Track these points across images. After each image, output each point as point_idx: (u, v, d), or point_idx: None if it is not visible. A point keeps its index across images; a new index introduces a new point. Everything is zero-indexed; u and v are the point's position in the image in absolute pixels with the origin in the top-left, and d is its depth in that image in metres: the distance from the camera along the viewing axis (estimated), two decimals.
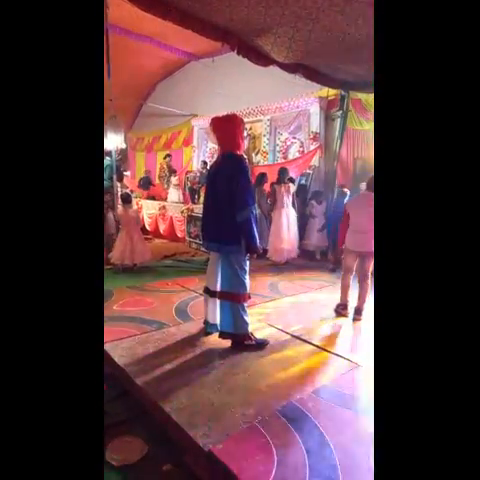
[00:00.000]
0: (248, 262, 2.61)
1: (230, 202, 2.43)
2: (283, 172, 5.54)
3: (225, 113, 2.67)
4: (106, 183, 5.17)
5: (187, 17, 3.66)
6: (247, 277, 2.60)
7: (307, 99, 6.88)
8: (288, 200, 5.49)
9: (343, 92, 6.31)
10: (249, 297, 2.67)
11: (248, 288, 2.61)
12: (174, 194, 8.87)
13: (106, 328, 2.77)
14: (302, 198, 6.14)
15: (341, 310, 3.43)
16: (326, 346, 2.69)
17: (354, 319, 3.31)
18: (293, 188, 5.65)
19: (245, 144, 2.83)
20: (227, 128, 2.54)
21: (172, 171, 9.24)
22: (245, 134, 2.73)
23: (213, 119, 2.62)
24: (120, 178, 5.99)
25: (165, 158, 9.63)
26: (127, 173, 11.32)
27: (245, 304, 2.62)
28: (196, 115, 9.58)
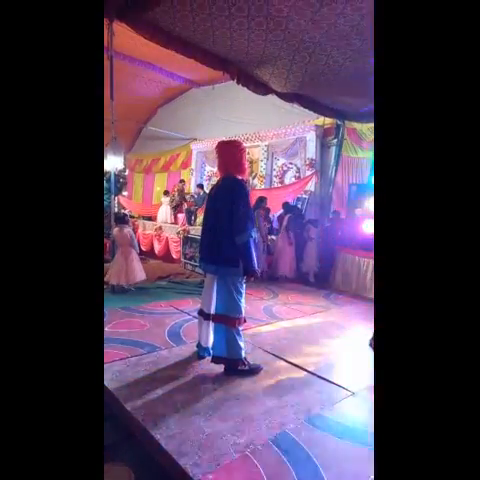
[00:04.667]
0: (244, 285, 2.60)
1: (229, 225, 2.45)
2: (288, 206, 6.37)
3: (225, 138, 2.74)
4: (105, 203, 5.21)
5: (189, 46, 3.82)
6: (243, 300, 2.58)
7: (304, 127, 7.09)
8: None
9: (339, 121, 6.51)
10: (244, 321, 2.64)
11: (243, 312, 2.59)
12: (162, 213, 8.91)
13: None
14: (299, 223, 6.21)
15: None
16: (321, 373, 2.64)
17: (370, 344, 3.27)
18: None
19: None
20: (233, 152, 2.61)
21: (168, 192, 9.26)
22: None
23: (219, 143, 2.69)
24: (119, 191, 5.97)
25: (181, 182, 9.26)
26: (124, 193, 11.43)
27: (240, 328, 2.59)
28: (195, 139, 9.79)
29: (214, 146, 2.74)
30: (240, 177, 2.60)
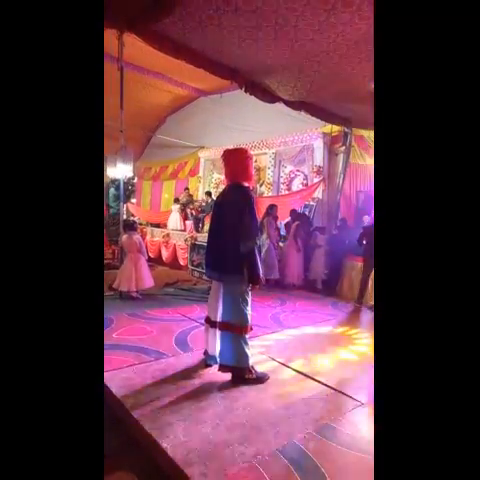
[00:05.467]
0: (250, 293, 2.59)
1: (234, 232, 2.44)
2: (296, 214, 6.43)
3: (232, 146, 2.75)
4: (113, 210, 5.28)
5: (198, 56, 3.87)
6: (249, 308, 2.57)
7: (311, 134, 7.11)
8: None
9: (346, 128, 6.51)
10: (251, 329, 2.62)
11: (250, 319, 2.58)
12: (173, 220, 9.00)
13: (105, 357, 2.72)
14: (306, 230, 6.20)
15: None
16: (329, 382, 2.61)
17: None
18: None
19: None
20: (239, 160, 2.60)
21: (179, 200, 9.39)
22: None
23: (225, 151, 2.69)
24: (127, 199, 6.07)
25: (185, 190, 9.58)
26: (133, 200, 11.55)
27: (247, 336, 2.57)
28: (203, 147, 9.87)
29: (220, 154, 2.75)
30: (246, 185, 2.60)
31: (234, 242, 2.44)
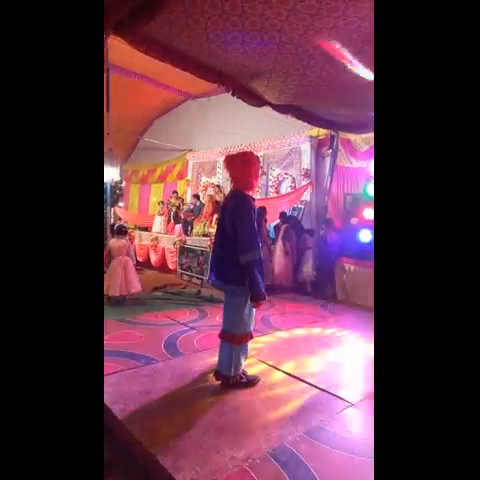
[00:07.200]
0: (252, 307, 2.50)
1: (232, 242, 2.35)
2: (286, 216, 6.47)
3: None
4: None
5: (184, 60, 3.86)
6: (252, 316, 2.51)
7: (298, 137, 7.17)
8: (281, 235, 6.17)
9: (333, 132, 6.58)
10: (251, 337, 2.57)
11: (250, 327, 2.53)
12: (157, 223, 8.96)
13: None
14: (298, 233, 6.23)
15: None
16: (319, 384, 2.62)
17: None
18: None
19: (259, 182, 2.75)
20: (239, 166, 2.46)
21: (162, 203, 9.34)
22: (260, 172, 2.62)
23: (227, 156, 2.55)
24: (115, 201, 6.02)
25: (174, 193, 9.40)
26: (121, 204, 11.43)
27: (247, 344, 2.53)
28: (191, 150, 9.85)
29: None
30: (248, 192, 2.45)
31: (232, 252, 2.34)
